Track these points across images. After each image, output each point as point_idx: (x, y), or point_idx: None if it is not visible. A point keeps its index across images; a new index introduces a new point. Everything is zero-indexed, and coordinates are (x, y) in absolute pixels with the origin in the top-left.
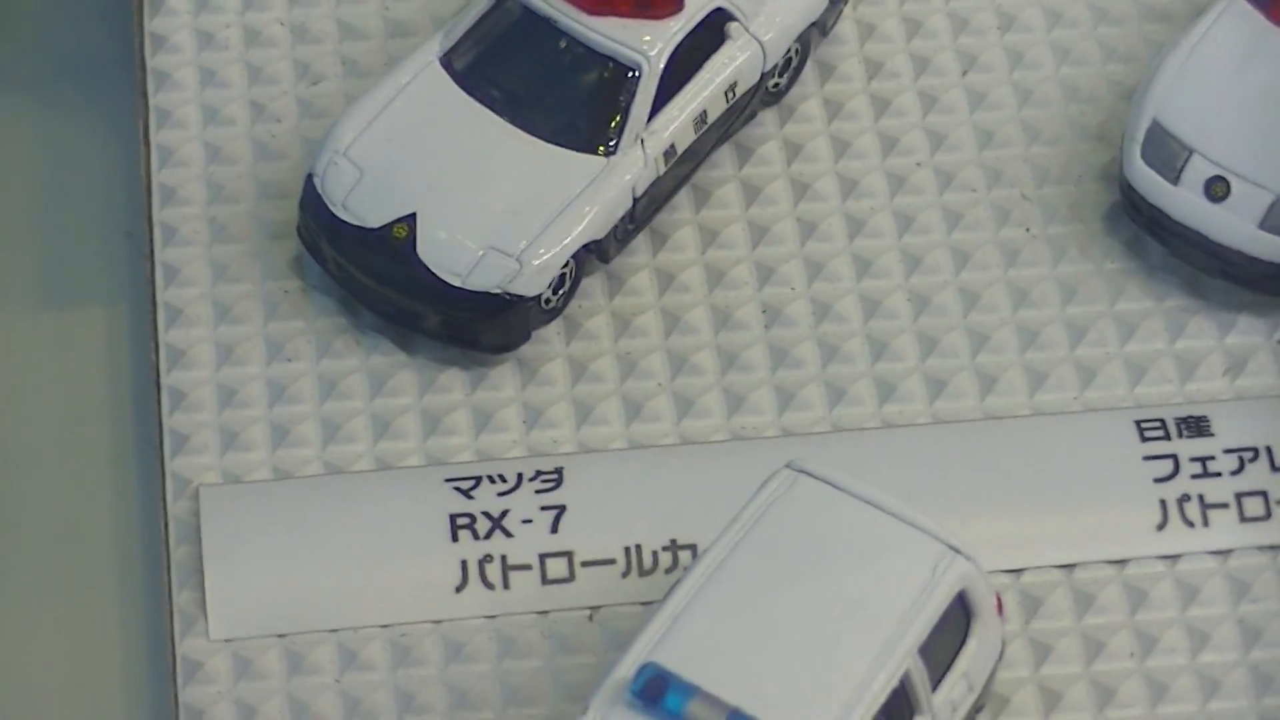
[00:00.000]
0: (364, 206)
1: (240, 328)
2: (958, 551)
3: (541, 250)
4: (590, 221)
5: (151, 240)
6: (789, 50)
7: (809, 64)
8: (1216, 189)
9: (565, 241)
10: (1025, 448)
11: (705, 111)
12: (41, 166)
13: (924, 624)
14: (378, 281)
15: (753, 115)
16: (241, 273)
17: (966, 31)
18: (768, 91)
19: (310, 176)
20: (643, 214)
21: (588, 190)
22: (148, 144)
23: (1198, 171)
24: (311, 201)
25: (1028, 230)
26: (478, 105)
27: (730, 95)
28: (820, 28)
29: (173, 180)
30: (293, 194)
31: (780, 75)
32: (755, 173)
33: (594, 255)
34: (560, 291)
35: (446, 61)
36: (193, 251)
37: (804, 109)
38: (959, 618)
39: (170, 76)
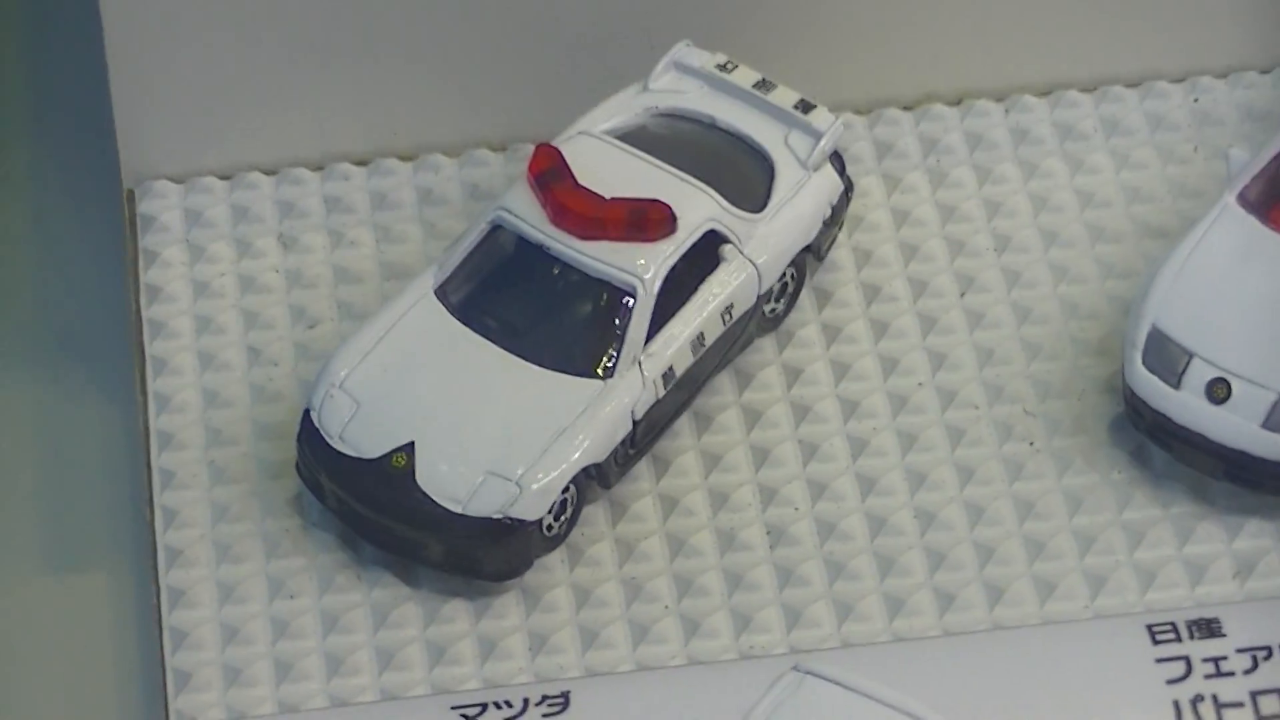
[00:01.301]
0: (362, 437)
1: (241, 567)
2: None
3: (540, 474)
4: (589, 444)
5: (150, 486)
6: (784, 274)
7: (806, 290)
8: (1218, 391)
9: (565, 465)
10: (1036, 656)
11: (703, 333)
12: (43, 429)
13: None
14: (378, 512)
15: (750, 341)
16: (241, 513)
17: (963, 254)
18: (765, 317)
19: (307, 411)
20: (643, 438)
21: (586, 413)
22: (145, 392)
23: (1199, 374)
24: (309, 436)
25: (1031, 444)
26: (473, 334)
27: (727, 317)
28: (815, 252)
29: (170, 426)
30: (291, 434)
31: (777, 300)
32: (756, 398)
33: (595, 481)
34: (562, 518)
35: (441, 293)
36: (192, 494)
37: (803, 334)
38: None
39: (166, 325)
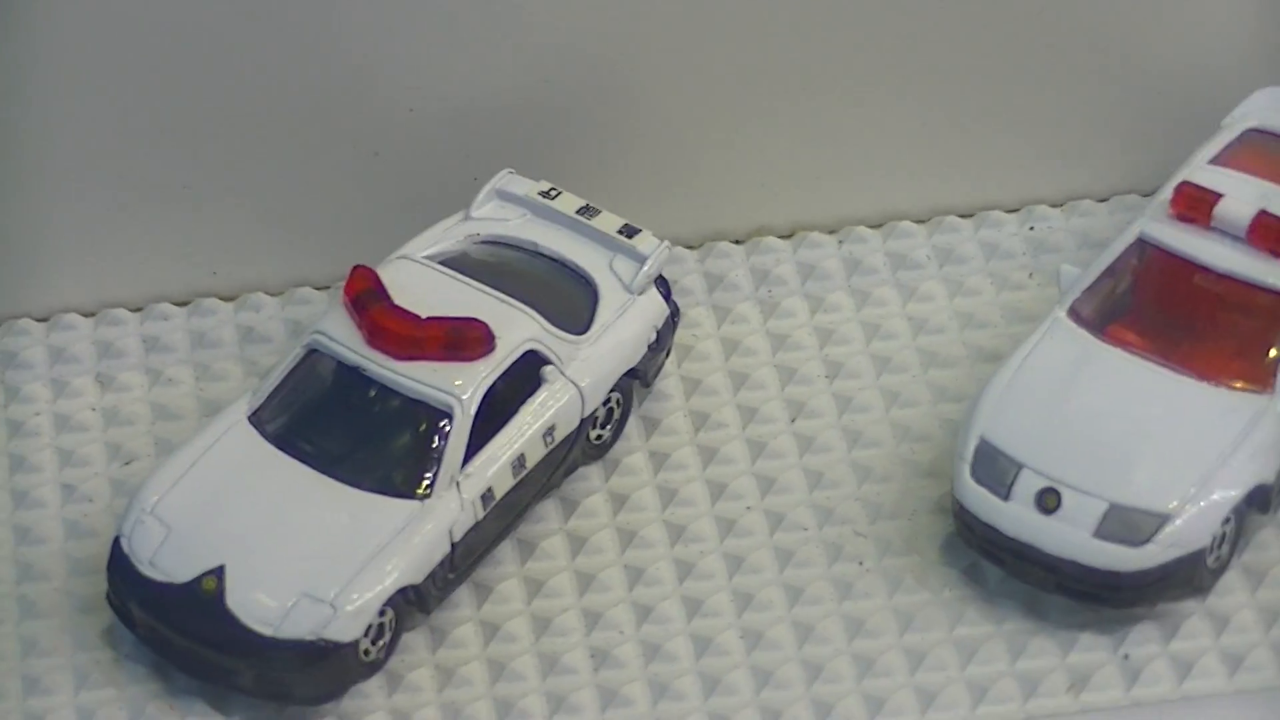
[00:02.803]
0: (171, 562)
1: (50, 699)
2: None
3: (355, 594)
4: (406, 565)
5: None
6: (609, 400)
7: (633, 419)
8: (1048, 501)
9: (380, 585)
10: None
11: (524, 455)
12: None
13: None
14: (188, 639)
15: (574, 467)
16: (51, 647)
17: (794, 381)
18: (591, 444)
19: (117, 538)
20: (463, 562)
21: (402, 534)
22: None
23: (1028, 485)
24: (119, 563)
25: (861, 564)
26: (287, 458)
27: (549, 439)
28: (641, 377)
29: None
30: (104, 571)
31: (603, 426)
32: (581, 524)
33: (415, 606)
34: (380, 643)
35: (255, 418)
36: (0, 630)
37: (629, 462)
38: None
39: None
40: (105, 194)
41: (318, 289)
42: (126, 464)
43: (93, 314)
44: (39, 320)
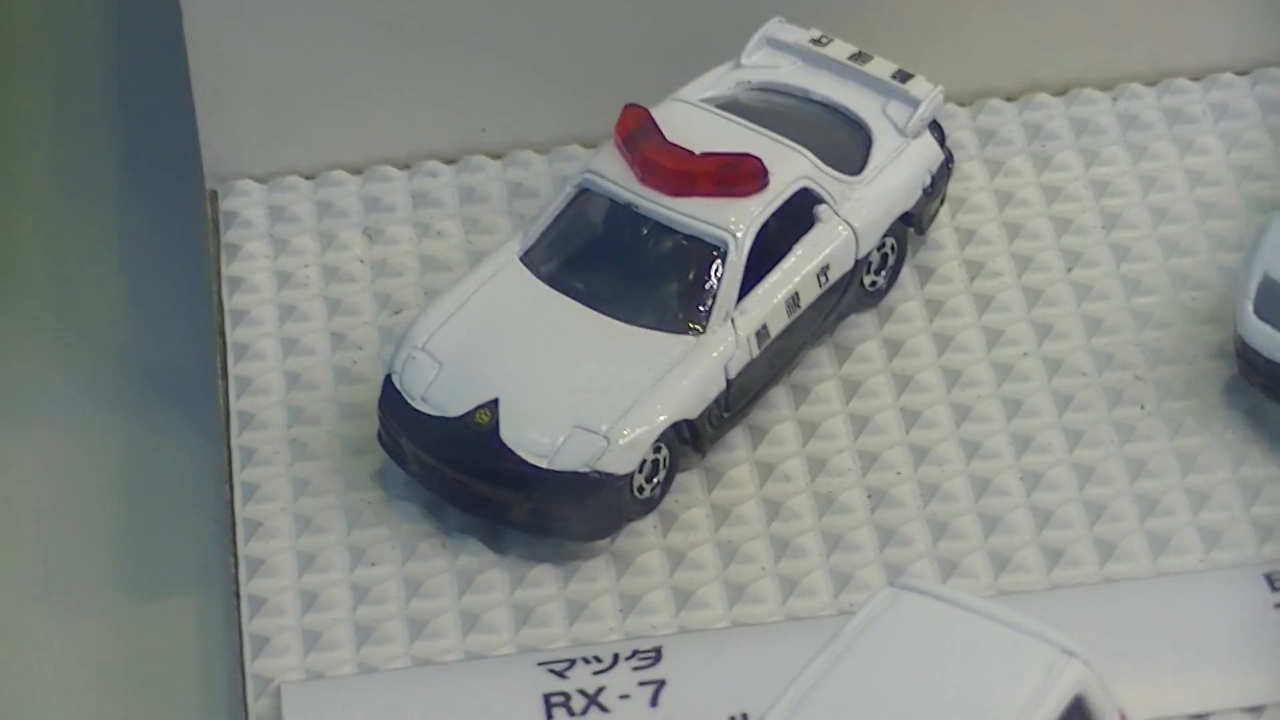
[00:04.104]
0: (444, 397)
1: (322, 537)
2: (1073, 655)
3: (629, 428)
4: (680, 398)
5: (230, 463)
6: (884, 244)
7: (907, 268)
8: None
9: (655, 419)
10: (1149, 606)
11: (798, 294)
12: (127, 414)
13: None
14: (461, 472)
15: (847, 313)
16: (323, 487)
17: (1070, 231)
18: (866, 290)
19: (389, 375)
20: (738, 400)
21: (677, 369)
22: (225, 377)
23: None
24: (390, 400)
25: (1142, 408)
26: (560, 295)
27: (823, 279)
28: (915, 224)
29: (251, 407)
30: (375, 413)
31: (877, 273)
32: (855, 370)
33: (689, 445)
34: (654, 480)
35: (527, 258)
36: (272, 470)
37: (904, 309)
38: None
39: (248, 313)
40: (375, 52)
41: (585, 146)
42: (396, 313)
43: (359, 171)
44: (306, 178)
